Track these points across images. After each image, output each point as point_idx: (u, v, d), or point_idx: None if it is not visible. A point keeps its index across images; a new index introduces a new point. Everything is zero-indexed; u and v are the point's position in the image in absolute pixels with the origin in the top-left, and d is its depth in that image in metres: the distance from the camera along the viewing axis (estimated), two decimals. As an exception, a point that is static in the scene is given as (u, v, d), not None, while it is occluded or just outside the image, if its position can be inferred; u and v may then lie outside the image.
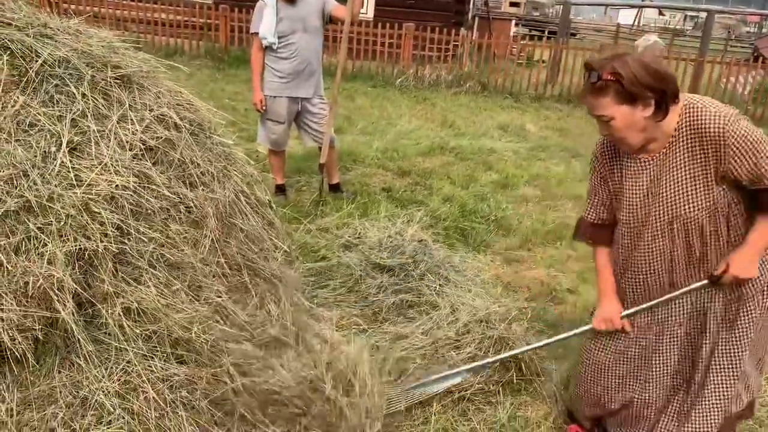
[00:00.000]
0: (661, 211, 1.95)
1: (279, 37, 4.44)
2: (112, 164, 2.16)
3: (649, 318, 2.15)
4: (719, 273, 1.94)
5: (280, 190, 4.89)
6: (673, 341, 2.14)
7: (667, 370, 2.18)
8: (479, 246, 4.24)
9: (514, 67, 11.61)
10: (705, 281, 2.00)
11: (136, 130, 2.30)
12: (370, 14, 12.45)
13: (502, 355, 2.66)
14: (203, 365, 2.25)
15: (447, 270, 3.59)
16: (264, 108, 4.56)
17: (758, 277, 1.97)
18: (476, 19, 16.56)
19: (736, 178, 1.85)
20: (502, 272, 3.92)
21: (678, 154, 1.90)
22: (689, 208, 1.91)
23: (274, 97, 4.55)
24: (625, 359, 2.24)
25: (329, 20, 4.63)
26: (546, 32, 19.70)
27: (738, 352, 2.04)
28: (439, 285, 3.43)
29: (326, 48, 4.95)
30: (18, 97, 2.15)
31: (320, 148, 4.78)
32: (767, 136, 1.87)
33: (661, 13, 43.05)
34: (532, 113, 9.55)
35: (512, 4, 38.51)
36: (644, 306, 2.13)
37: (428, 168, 6.01)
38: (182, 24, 11.66)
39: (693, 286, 2.02)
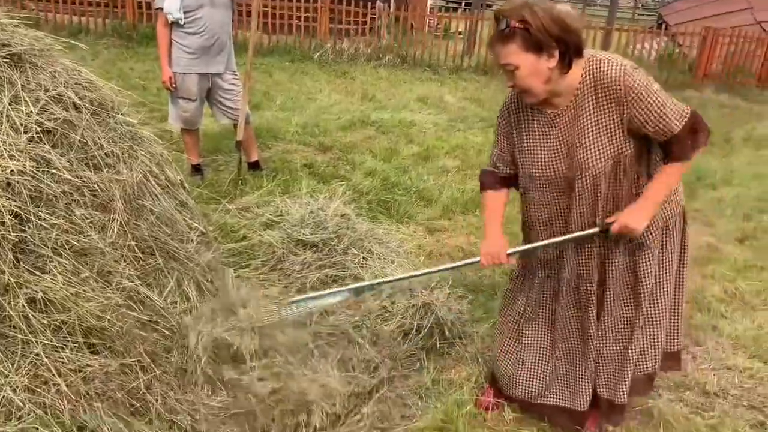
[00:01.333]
0: (569, 164, 2.01)
1: (185, 12, 4.27)
2: (5, 148, 2.04)
3: (546, 277, 2.24)
4: (609, 221, 2.00)
5: (197, 170, 4.75)
6: (572, 300, 2.22)
7: (569, 330, 2.26)
8: (402, 218, 4.28)
9: (431, 39, 11.67)
10: (595, 229, 2.05)
11: (31, 111, 2.17)
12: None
13: (387, 279, 2.64)
14: (118, 354, 2.19)
15: (370, 243, 3.61)
16: (174, 86, 4.40)
17: (655, 223, 2.06)
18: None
19: (640, 128, 1.91)
20: (425, 242, 3.97)
21: (583, 108, 1.96)
22: (595, 160, 1.96)
23: (184, 74, 4.39)
24: (534, 335, 2.33)
25: None
26: (462, 4, 19.86)
27: (639, 304, 2.15)
28: (363, 258, 3.45)
29: (240, 22, 4.81)
30: None
31: (236, 126, 4.67)
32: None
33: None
34: (451, 85, 9.65)
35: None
36: (530, 246, 2.19)
37: (350, 142, 5.99)
38: (85, 1, 11.06)
39: (584, 232, 2.06)
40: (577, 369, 2.27)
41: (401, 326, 2.88)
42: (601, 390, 2.27)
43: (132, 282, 2.25)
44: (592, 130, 1.96)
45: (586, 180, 2.00)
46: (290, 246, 3.49)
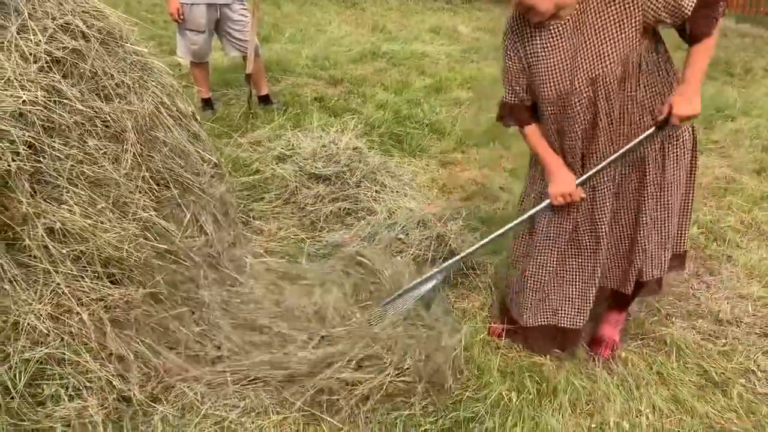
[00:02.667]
0: (584, 73, 1.94)
1: (192, -60, 4.15)
2: (16, 78, 2.02)
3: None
4: (664, 116, 1.94)
5: (207, 104, 4.70)
6: (606, 206, 2.17)
7: (605, 236, 2.22)
8: (414, 151, 4.24)
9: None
10: (652, 129, 1.99)
11: (39, 40, 2.13)
12: None
13: (468, 251, 2.51)
14: (137, 284, 2.22)
15: (383, 176, 3.59)
16: (182, 17, 4.31)
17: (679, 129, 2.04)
18: None
19: (658, 19, 1.85)
20: (438, 175, 3.95)
21: (590, 14, 1.89)
22: (608, 63, 1.91)
23: (192, 4, 4.28)
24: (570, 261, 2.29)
25: None
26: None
27: (670, 196, 2.14)
28: (376, 191, 3.44)
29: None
30: None
31: (245, 58, 4.59)
32: None
33: None
34: (464, 14, 9.39)
35: None
36: (598, 168, 2.08)
37: (360, 75, 5.88)
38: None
39: (642, 136, 2.00)
40: (588, 285, 2.28)
41: (416, 257, 2.90)
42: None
43: (148, 213, 2.26)
44: (602, 34, 1.89)
45: (598, 90, 1.95)
46: (303, 179, 3.49)
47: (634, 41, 1.88)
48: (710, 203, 3.78)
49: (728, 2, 10.78)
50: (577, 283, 2.29)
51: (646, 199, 2.13)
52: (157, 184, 2.39)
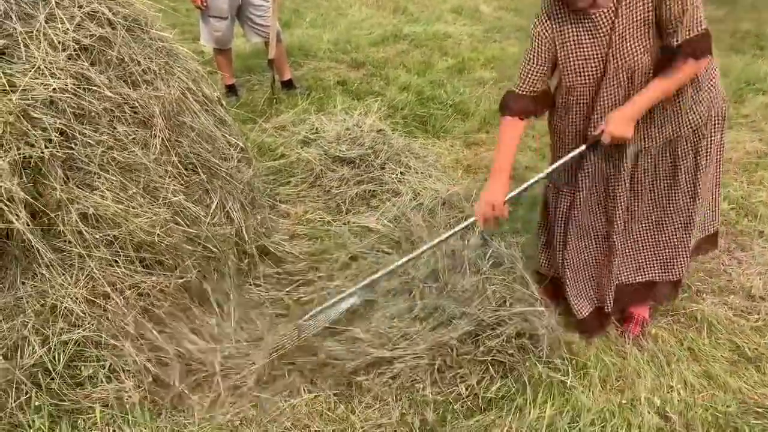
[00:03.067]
0: (621, 63, 1.93)
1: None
2: (46, 67, 2.05)
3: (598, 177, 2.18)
4: (597, 134, 1.96)
5: (231, 90, 4.73)
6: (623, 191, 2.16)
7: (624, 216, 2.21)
8: (438, 132, 4.23)
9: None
10: (583, 147, 2.02)
11: (67, 29, 2.17)
12: None
13: (386, 270, 2.36)
14: (169, 269, 2.26)
15: (407, 157, 3.58)
16: (205, 4, 4.33)
17: (713, 107, 2.06)
18: None
19: (668, 20, 1.85)
20: (462, 156, 3.93)
21: (628, 4, 1.88)
22: (641, 53, 1.90)
23: (214, -9, 4.31)
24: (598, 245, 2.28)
25: None
26: None
27: (698, 179, 2.13)
28: (400, 173, 3.44)
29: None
30: (-69, 1, 2.00)
31: (267, 44, 4.60)
32: None
33: None
34: (486, -6, 9.28)
35: None
36: (525, 185, 2.11)
37: (383, 58, 5.86)
38: None
39: (575, 152, 2.04)
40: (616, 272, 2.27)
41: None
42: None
43: (177, 197, 2.30)
44: (636, 25, 1.88)
45: (634, 78, 1.94)
46: (328, 162, 3.50)
47: (655, 36, 1.89)
48: (741, 179, 3.70)
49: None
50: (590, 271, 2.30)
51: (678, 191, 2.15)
52: (186, 169, 2.42)
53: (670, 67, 1.89)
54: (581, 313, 2.32)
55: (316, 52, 5.89)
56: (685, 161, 2.10)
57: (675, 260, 2.26)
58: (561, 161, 2.08)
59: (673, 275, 2.28)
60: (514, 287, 2.37)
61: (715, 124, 2.09)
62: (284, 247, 2.90)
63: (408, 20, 7.38)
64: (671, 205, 2.17)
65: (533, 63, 2.08)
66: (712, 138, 2.10)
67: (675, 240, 2.22)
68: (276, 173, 3.55)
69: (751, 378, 2.19)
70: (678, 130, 2.04)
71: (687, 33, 1.85)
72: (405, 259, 2.31)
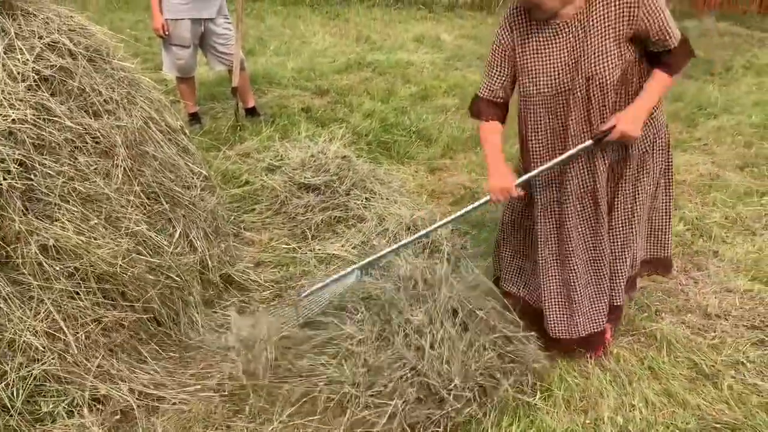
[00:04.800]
0: (581, 73, 1.99)
1: (174, -44, 4.17)
2: (4, 97, 2.03)
3: (558, 194, 2.22)
4: (605, 130, 2.01)
5: (195, 118, 4.72)
6: (582, 211, 2.21)
7: (582, 241, 2.25)
8: (402, 158, 4.28)
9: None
10: (589, 142, 2.05)
11: (27, 59, 2.16)
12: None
13: (392, 248, 2.50)
14: (131, 300, 2.23)
15: (372, 183, 3.61)
16: (167, 33, 4.33)
17: (659, 135, 2.14)
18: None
19: (646, 36, 1.94)
20: (426, 181, 3.98)
21: (593, 15, 1.95)
22: (605, 67, 1.96)
23: (176, 20, 4.31)
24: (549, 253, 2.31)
25: None
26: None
27: (639, 207, 2.19)
28: (366, 198, 3.46)
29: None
30: None
31: (230, 72, 4.62)
32: None
33: None
34: (446, 23, 9.47)
35: None
36: (534, 173, 2.15)
37: (346, 85, 5.92)
38: (68, -50, 10.76)
39: (579, 146, 2.06)
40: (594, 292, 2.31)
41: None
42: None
43: (140, 227, 2.28)
44: (603, 37, 1.94)
45: (593, 89, 1.99)
46: (293, 189, 3.51)
47: (628, 50, 1.96)
48: (695, 200, 3.83)
49: (708, 2, 10.91)
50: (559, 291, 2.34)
51: (621, 199, 2.20)
52: (148, 198, 2.41)
53: (662, 71, 2.00)
54: (571, 333, 2.35)
55: (280, 79, 5.92)
56: (625, 185, 2.16)
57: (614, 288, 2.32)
58: (568, 153, 2.08)
59: (614, 300, 2.33)
60: (496, 310, 2.40)
61: (659, 151, 2.17)
62: (249, 275, 2.89)
63: (371, 48, 7.49)
64: (606, 228, 2.23)
65: (495, 70, 2.15)
66: (655, 162, 2.17)
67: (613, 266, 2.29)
68: (240, 200, 3.55)
69: (709, 394, 2.24)
70: (624, 151, 2.12)
71: (674, 39, 1.95)
72: (410, 239, 2.45)
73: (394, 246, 2.46)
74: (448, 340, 2.27)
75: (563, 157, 2.09)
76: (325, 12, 9.63)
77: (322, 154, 3.71)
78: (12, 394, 1.90)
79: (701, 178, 4.14)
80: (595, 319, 2.31)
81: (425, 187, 3.87)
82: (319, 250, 3.12)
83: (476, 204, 2.31)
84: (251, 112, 4.88)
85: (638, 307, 2.74)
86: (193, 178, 2.72)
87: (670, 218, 2.36)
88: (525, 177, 2.17)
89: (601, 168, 2.12)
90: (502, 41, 2.10)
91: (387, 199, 3.46)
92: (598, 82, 1.98)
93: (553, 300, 2.32)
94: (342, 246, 3.12)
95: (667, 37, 1.95)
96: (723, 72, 7.17)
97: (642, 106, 1.99)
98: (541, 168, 2.14)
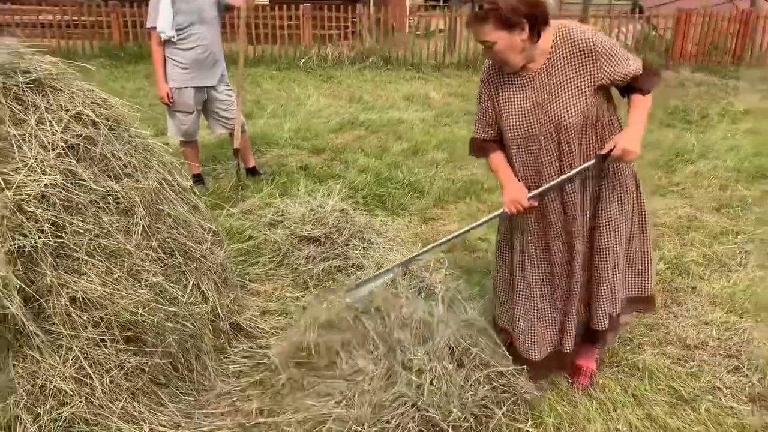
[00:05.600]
0: (547, 119, 2.25)
1: (177, 30, 4.48)
2: (37, 165, 2.26)
3: (543, 222, 2.44)
4: (606, 151, 2.22)
5: (198, 179, 4.96)
6: (562, 242, 2.43)
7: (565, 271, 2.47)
8: (397, 209, 4.52)
9: (413, 38, 11.91)
10: (593, 160, 2.26)
11: (56, 130, 2.40)
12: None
13: (425, 249, 2.90)
14: (151, 346, 2.41)
15: (369, 234, 3.83)
16: (171, 100, 4.62)
17: (628, 179, 2.38)
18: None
19: (611, 77, 2.21)
20: (420, 230, 4.21)
21: (557, 68, 2.23)
22: (568, 114, 2.23)
23: (180, 88, 4.61)
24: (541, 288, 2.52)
25: (226, 9, 4.73)
26: (442, 1, 20.12)
27: (618, 237, 2.42)
28: (363, 248, 3.67)
29: (224, 35, 5.03)
30: (-67, 110, 2.21)
31: (231, 134, 4.90)
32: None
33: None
34: (435, 82, 9.89)
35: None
36: (544, 188, 2.33)
37: (341, 143, 6.22)
38: (71, 24, 11.26)
39: (586, 164, 2.27)
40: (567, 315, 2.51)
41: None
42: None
43: (157, 279, 2.48)
44: (564, 88, 2.22)
45: (560, 133, 2.25)
46: (294, 242, 3.72)
47: (590, 96, 2.22)
48: (674, 241, 4.06)
49: (684, 54, 11.38)
50: (535, 315, 2.54)
51: (597, 239, 2.42)
52: (164, 253, 2.61)
53: (638, 95, 2.25)
54: (536, 356, 2.54)
55: (278, 140, 6.22)
56: (600, 221, 2.40)
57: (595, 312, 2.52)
58: (574, 171, 2.27)
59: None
60: (488, 346, 2.59)
61: (630, 193, 2.41)
62: (256, 323, 3.07)
63: (364, 108, 7.84)
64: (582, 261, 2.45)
65: (483, 115, 2.44)
66: (628, 203, 2.41)
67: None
68: (245, 254, 3.75)
69: (688, 417, 2.41)
70: (597, 191, 2.37)
71: (637, 67, 2.21)
72: (441, 241, 2.82)
73: (428, 247, 2.85)
74: (446, 375, 2.46)
75: (570, 174, 2.29)
76: (319, 75, 10.06)
77: (321, 208, 3.95)
78: (44, 435, 2.06)
79: (680, 221, 4.38)
80: (554, 340, 2.54)
81: (419, 236, 4.09)
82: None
83: (491, 216, 2.57)
84: (252, 171, 5.14)
85: (622, 341, 2.92)
86: (203, 234, 2.93)
87: (649, 258, 2.57)
88: (536, 191, 2.35)
89: (573, 204, 2.35)
90: (483, 91, 2.41)
91: (383, 247, 3.68)
92: (563, 127, 2.24)
93: (528, 323, 2.53)
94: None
95: (630, 70, 2.20)
96: (699, 120, 7.53)
97: (638, 127, 2.21)
98: (549, 184, 2.32)
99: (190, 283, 2.69)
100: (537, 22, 2.14)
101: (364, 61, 10.89)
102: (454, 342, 2.59)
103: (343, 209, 3.97)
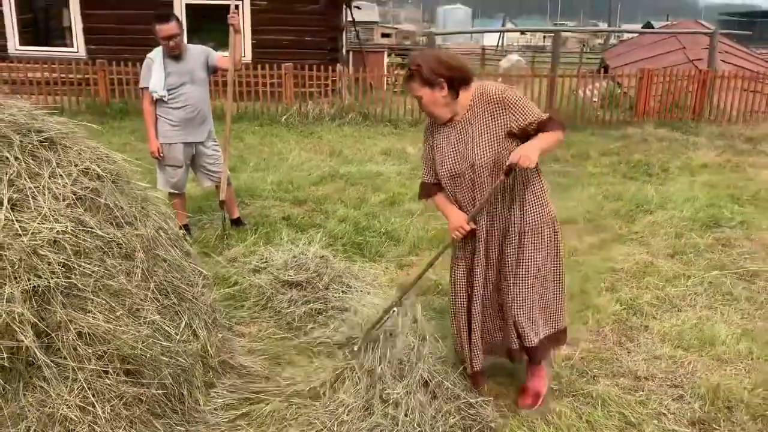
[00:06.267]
0: (465, 160, 2.67)
1: (168, 90, 4.82)
2: (50, 214, 2.53)
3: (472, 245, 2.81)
4: (509, 164, 2.53)
5: (185, 229, 5.21)
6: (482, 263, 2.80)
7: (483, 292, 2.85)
8: (374, 256, 4.81)
9: (390, 95, 12.43)
10: (502, 176, 2.58)
11: (66, 183, 2.67)
12: (248, 57, 12.93)
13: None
14: (148, 378, 2.64)
15: (348, 279, 4.12)
16: (161, 155, 4.91)
17: (547, 212, 2.75)
18: (350, 53, 17.41)
19: (520, 126, 2.61)
20: (396, 276, 4.49)
21: (475, 118, 2.66)
22: (481, 156, 2.64)
23: (170, 144, 4.92)
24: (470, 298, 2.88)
25: (214, 71, 5.09)
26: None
27: (527, 277, 2.77)
28: (342, 291, 3.95)
29: (211, 92, 5.36)
30: (-42, 165, 2.48)
31: (217, 187, 5.19)
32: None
33: (522, 33, 46.09)
34: (411, 137, 10.32)
35: (383, 35, 40.02)
36: (476, 208, 2.68)
37: (322, 195, 6.54)
38: (59, 81, 11.61)
39: (497, 182, 2.62)
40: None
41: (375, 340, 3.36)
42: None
43: (154, 317, 2.72)
44: (478, 134, 2.64)
45: (475, 172, 2.66)
46: (277, 286, 3.98)
47: (501, 141, 2.63)
48: (631, 284, 4.39)
49: (647, 111, 11.96)
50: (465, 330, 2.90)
51: (506, 267, 2.79)
52: (160, 294, 2.87)
53: (544, 132, 2.61)
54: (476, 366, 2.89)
55: (261, 192, 6.52)
56: (509, 249, 2.75)
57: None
58: (492, 187, 2.64)
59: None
60: (460, 380, 2.87)
61: (545, 227, 2.76)
62: (242, 361, 3.30)
63: (343, 162, 8.20)
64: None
65: (428, 161, 2.84)
66: (542, 237, 2.75)
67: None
68: (231, 299, 4.00)
69: (635, 439, 2.69)
70: (508, 224, 2.74)
71: (541, 115, 2.62)
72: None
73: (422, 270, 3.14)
74: (419, 407, 2.72)
75: (490, 192, 2.66)
76: (300, 131, 10.45)
77: (303, 254, 4.24)
78: (52, 459, 2.27)
79: (636, 266, 4.72)
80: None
81: (395, 281, 4.37)
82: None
83: (443, 248, 2.94)
84: (236, 222, 5.42)
85: (579, 373, 3.21)
86: (195, 277, 3.19)
87: (560, 293, 2.91)
88: (472, 212, 2.72)
89: (485, 232, 2.75)
90: (425, 140, 2.86)
91: (361, 291, 3.96)
92: (477, 167, 2.64)
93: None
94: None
95: (536, 118, 2.60)
96: (660, 172, 7.98)
97: (537, 142, 2.56)
98: (477, 207, 2.70)
99: (183, 322, 2.94)
100: (454, 82, 2.60)
101: (343, 117, 11.32)
102: (428, 376, 2.87)
103: (323, 256, 4.26)
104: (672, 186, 7.30)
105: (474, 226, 2.72)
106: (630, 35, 23.72)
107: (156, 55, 4.84)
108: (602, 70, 16.77)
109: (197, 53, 4.97)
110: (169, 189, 5.09)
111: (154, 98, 4.85)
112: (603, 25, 56.62)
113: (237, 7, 5.35)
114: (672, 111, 12.15)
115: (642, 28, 32.10)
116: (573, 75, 13.12)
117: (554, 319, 2.92)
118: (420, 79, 2.59)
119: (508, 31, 40.33)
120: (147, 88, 4.85)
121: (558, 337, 2.96)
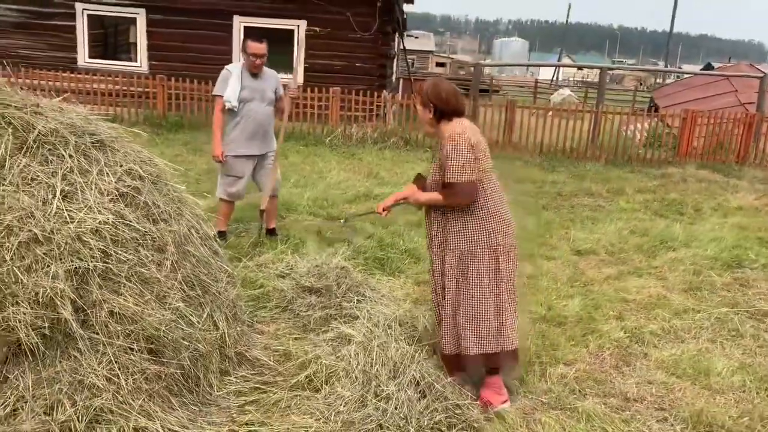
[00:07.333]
0: (431, 177, 3.24)
1: (240, 102, 5.25)
2: (95, 206, 2.89)
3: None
4: (404, 197, 3.42)
5: (221, 235, 5.58)
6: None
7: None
8: (394, 272, 5.06)
9: (433, 123, 12.72)
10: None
11: (111, 181, 3.04)
12: (300, 80, 13.48)
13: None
14: (168, 358, 2.95)
15: (364, 289, 4.37)
16: (225, 159, 5.29)
17: (479, 244, 3.12)
18: (400, 80, 17.86)
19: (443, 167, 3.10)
20: (412, 291, 4.73)
21: (439, 148, 3.16)
22: (431, 177, 3.22)
23: (234, 156, 5.31)
24: None
25: (280, 98, 5.52)
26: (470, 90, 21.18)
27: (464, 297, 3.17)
28: (357, 300, 4.21)
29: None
30: (21, 159, 2.86)
31: (272, 196, 5.56)
32: (468, 162, 3.03)
33: (579, 68, 45.97)
34: (450, 163, 10.59)
35: (438, 65, 40.56)
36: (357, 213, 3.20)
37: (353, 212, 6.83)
38: (120, 93, 12.35)
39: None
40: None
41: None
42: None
43: (179, 304, 3.04)
44: (435, 159, 3.22)
45: (431, 187, 3.24)
46: (298, 291, 4.27)
47: (438, 173, 3.17)
48: (639, 315, 4.51)
49: (689, 152, 11.88)
50: None
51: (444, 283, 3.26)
52: (186, 285, 3.18)
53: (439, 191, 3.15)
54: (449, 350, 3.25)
55: (297, 207, 6.87)
56: (449, 270, 3.18)
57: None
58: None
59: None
60: (451, 384, 3.10)
61: (482, 253, 3.11)
62: (258, 355, 3.59)
63: (379, 183, 8.51)
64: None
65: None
66: (478, 261, 3.11)
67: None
68: (255, 300, 4.31)
69: (612, 452, 2.84)
70: (444, 247, 3.19)
71: (448, 178, 3.06)
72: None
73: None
74: (408, 401, 2.95)
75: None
76: (342, 152, 10.84)
77: (325, 264, 4.52)
78: (78, 418, 2.58)
79: (649, 298, 4.83)
80: None
81: (410, 295, 4.61)
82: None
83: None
84: (271, 232, 5.76)
85: (570, 390, 3.37)
86: (220, 274, 3.51)
87: (487, 316, 3.14)
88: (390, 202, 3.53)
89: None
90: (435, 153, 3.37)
91: (374, 301, 4.20)
92: (428, 183, 3.20)
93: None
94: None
95: (447, 179, 3.05)
96: (692, 212, 8.01)
97: (423, 195, 3.26)
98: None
99: (205, 313, 3.25)
100: (437, 111, 3.14)
101: (385, 141, 11.68)
102: (420, 377, 3.09)
103: (344, 267, 4.53)
104: (701, 226, 7.32)
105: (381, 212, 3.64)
106: (686, 75, 23.54)
107: (234, 68, 5.31)
108: (652, 109, 16.75)
109: (272, 76, 5.46)
110: (226, 197, 5.45)
111: (226, 107, 5.26)
112: (662, 65, 56.00)
113: (299, 87, 6.03)
114: (716, 153, 12.08)
115: (702, 69, 31.80)
116: (618, 112, 13.17)
117: (505, 336, 3.19)
118: (418, 97, 3.23)
119: (560, 65, 40.35)
120: (221, 96, 5.26)
121: (491, 358, 3.19)
